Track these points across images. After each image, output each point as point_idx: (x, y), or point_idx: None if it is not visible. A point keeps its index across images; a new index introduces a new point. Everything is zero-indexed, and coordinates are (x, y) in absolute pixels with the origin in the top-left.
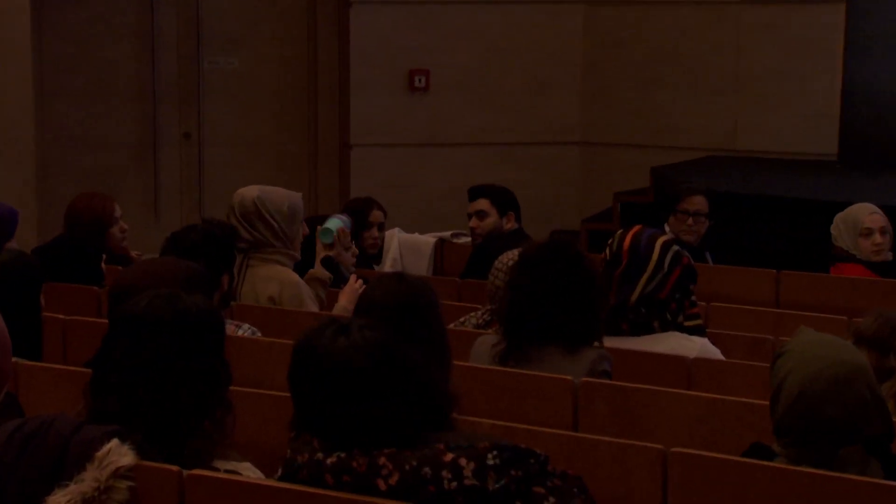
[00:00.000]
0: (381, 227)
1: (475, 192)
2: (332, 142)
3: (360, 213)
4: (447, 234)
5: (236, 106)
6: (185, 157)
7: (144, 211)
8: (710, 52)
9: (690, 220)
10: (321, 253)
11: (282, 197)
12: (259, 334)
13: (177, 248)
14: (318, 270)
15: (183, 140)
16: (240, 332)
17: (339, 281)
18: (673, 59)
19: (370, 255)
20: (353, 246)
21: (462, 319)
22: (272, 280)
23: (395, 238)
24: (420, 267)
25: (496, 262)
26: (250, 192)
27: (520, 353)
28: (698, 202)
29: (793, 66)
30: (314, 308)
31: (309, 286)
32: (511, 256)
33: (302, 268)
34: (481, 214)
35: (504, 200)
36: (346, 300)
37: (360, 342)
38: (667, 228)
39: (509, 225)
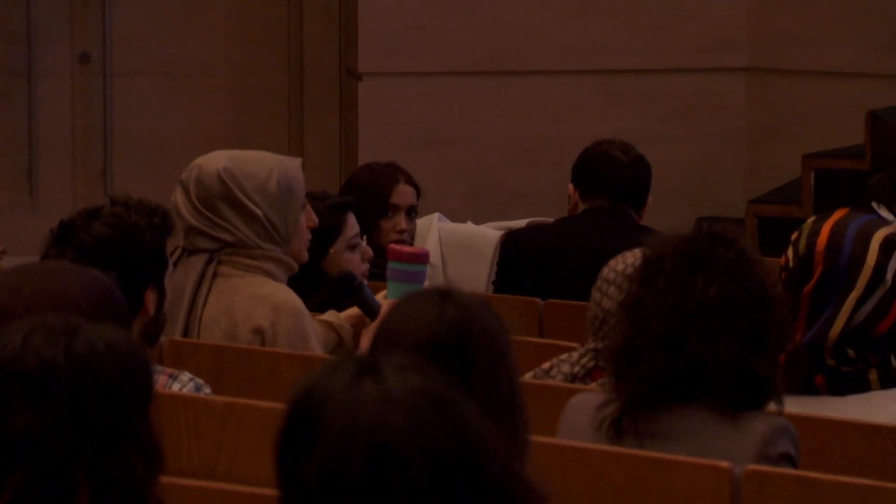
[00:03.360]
0: (412, 213)
1: None
2: (327, 68)
3: (377, 189)
4: (521, 223)
5: (167, 9)
6: (82, 94)
7: (13, 183)
8: None
9: None
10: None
11: (266, 167)
12: (208, 390)
13: (70, 247)
14: (335, 315)
15: (77, 66)
16: (175, 387)
17: (363, 308)
18: None
19: None
20: (364, 244)
21: (547, 366)
22: (261, 302)
23: (433, 231)
24: (476, 277)
25: (604, 271)
26: (214, 161)
27: (643, 422)
28: None
29: None
30: (320, 351)
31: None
32: (629, 261)
33: (303, 286)
34: None
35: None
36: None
37: (401, 391)
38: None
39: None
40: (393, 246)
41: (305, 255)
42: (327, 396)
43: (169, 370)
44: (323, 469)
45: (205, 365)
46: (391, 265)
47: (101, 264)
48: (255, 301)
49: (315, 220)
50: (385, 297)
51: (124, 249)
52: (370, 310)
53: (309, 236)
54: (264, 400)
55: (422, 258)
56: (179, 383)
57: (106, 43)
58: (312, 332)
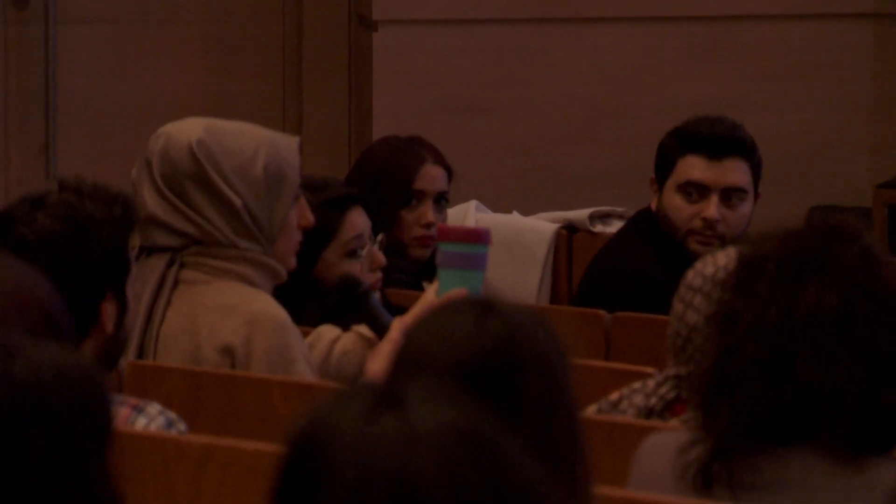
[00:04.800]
0: (442, 202)
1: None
2: (333, 14)
3: (397, 171)
4: (582, 213)
5: None
6: (17, 48)
7: None
8: None
9: None
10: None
11: (252, 144)
12: (183, 427)
13: (8, 244)
14: (362, 328)
15: (11, 10)
16: (141, 423)
17: (370, 323)
18: None
19: (419, 262)
20: (375, 249)
21: (616, 398)
22: (232, 313)
23: (469, 224)
24: (525, 283)
25: (688, 276)
26: (188, 130)
27: (739, 469)
28: None
29: None
30: (311, 377)
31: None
32: (721, 263)
33: (292, 297)
34: (739, 195)
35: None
36: (381, 362)
37: (429, 428)
38: None
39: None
40: (442, 225)
41: (293, 262)
42: (337, 434)
43: (133, 401)
44: None
45: (176, 394)
46: (442, 248)
47: (46, 267)
48: (224, 312)
49: (310, 218)
50: (436, 294)
51: (76, 248)
52: (378, 326)
53: (299, 238)
54: (252, 439)
55: (481, 237)
56: (146, 417)
57: None
58: (301, 352)
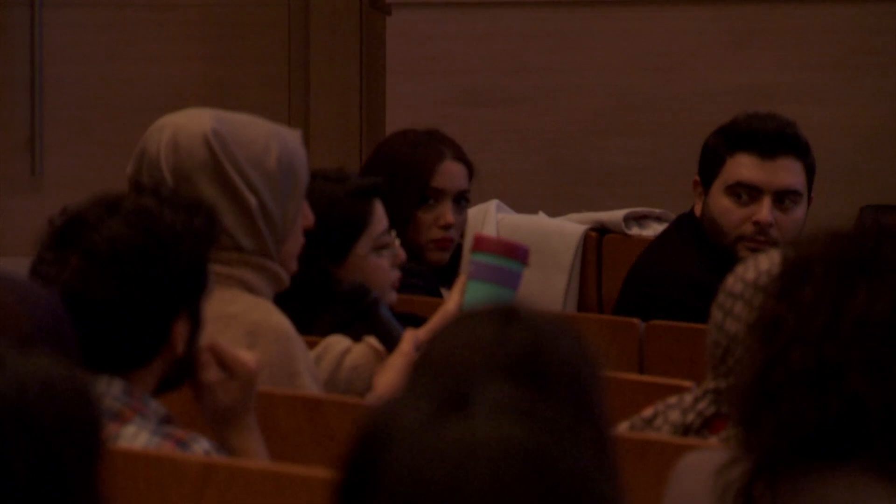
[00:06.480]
0: (462, 201)
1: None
2: None
3: (413, 167)
4: (616, 214)
5: None
6: (0, 33)
7: None
8: None
9: None
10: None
11: (262, 135)
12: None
13: (75, 251)
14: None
15: None
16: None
17: (380, 335)
18: None
19: (437, 267)
20: (397, 244)
21: (650, 414)
22: (231, 323)
23: (490, 225)
24: (550, 289)
25: (728, 282)
26: (197, 120)
27: (783, 489)
28: None
29: None
30: (316, 391)
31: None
32: (763, 267)
33: (309, 304)
34: (793, 198)
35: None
36: (391, 377)
37: (493, 440)
38: None
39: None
40: (480, 234)
41: (294, 265)
42: (397, 436)
43: (179, 433)
44: None
45: (172, 410)
46: (475, 258)
47: (115, 279)
48: (223, 322)
49: (311, 218)
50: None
51: (151, 262)
52: (388, 337)
53: (303, 240)
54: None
55: (520, 253)
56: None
57: None
58: (305, 364)
